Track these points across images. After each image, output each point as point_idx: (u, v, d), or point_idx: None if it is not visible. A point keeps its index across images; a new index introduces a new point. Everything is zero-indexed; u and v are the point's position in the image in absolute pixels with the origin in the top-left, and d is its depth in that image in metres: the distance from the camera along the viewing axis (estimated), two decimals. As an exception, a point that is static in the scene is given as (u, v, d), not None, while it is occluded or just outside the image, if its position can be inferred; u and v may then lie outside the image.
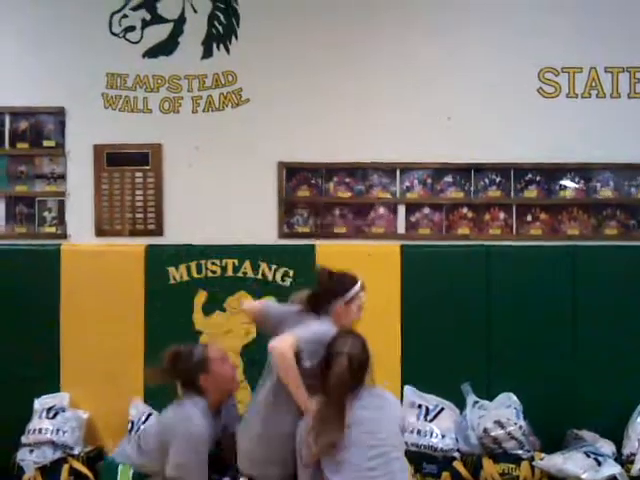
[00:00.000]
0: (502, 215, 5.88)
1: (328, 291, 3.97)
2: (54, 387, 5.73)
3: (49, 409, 5.52)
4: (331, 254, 5.60)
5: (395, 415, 3.84)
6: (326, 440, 3.56)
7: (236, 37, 5.87)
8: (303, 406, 3.70)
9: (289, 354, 3.63)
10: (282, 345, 3.64)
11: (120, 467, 4.25)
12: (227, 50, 5.93)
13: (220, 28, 5.92)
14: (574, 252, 5.71)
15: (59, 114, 5.95)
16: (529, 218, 5.87)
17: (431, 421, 5.37)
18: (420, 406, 5.45)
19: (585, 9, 5.84)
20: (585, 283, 5.65)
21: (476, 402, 5.46)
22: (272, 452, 3.78)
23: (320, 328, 3.81)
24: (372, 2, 5.88)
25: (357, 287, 3.98)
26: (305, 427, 3.68)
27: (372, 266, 5.57)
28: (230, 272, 5.75)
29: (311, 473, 3.66)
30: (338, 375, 3.62)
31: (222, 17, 5.90)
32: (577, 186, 5.86)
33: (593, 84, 5.84)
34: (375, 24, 5.86)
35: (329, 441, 3.56)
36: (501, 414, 5.30)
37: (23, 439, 5.40)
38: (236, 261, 5.75)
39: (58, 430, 5.38)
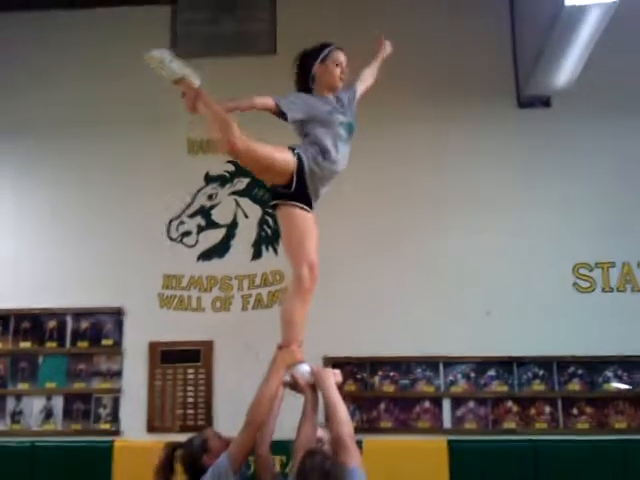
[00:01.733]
0: (547, 409, 5.92)
1: (304, 60, 3.85)
2: None
3: None
4: (377, 449, 5.65)
5: None
6: None
7: (284, 239, 6.26)
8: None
9: None
10: None
11: None
12: (275, 251, 6.32)
13: (269, 231, 6.36)
14: (624, 447, 5.68)
15: (117, 314, 6.32)
16: (575, 412, 5.90)
17: None
18: None
19: (614, 206, 6.18)
20: (637, 479, 5.56)
21: None
22: None
23: None
24: (405, 203, 6.29)
25: (331, 47, 3.85)
26: None
27: (418, 461, 5.62)
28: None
29: None
30: None
31: (271, 221, 6.35)
32: (624, 386, 5.93)
33: (627, 278, 6.05)
34: (411, 224, 6.25)
35: None
36: None
37: None
38: (284, 457, 5.79)
39: None
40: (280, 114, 3.64)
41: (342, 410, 3.50)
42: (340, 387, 3.65)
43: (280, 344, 3.68)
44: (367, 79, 4.11)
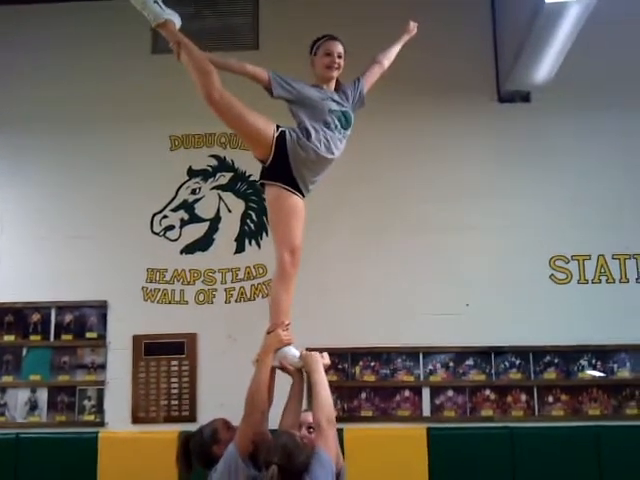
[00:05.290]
0: (524, 397, 6.08)
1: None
2: None
3: None
4: (358, 438, 5.78)
5: None
6: None
7: (266, 233, 6.33)
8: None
9: None
10: None
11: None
12: (258, 245, 6.41)
13: (252, 225, 6.44)
14: (597, 432, 5.86)
15: (101, 307, 6.38)
16: (550, 399, 6.06)
17: None
18: None
19: (590, 200, 6.33)
20: (610, 463, 5.76)
21: None
22: None
23: None
24: (385, 197, 6.41)
25: (323, 38, 3.83)
26: None
27: (399, 449, 5.75)
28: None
29: None
30: None
31: (254, 215, 6.43)
32: (598, 374, 6.10)
33: (602, 270, 6.21)
34: (392, 218, 6.37)
35: None
36: None
37: None
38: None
39: None
40: (269, 89, 3.68)
41: (323, 394, 3.49)
42: (327, 371, 3.68)
43: (268, 329, 3.74)
44: (375, 70, 4.04)
